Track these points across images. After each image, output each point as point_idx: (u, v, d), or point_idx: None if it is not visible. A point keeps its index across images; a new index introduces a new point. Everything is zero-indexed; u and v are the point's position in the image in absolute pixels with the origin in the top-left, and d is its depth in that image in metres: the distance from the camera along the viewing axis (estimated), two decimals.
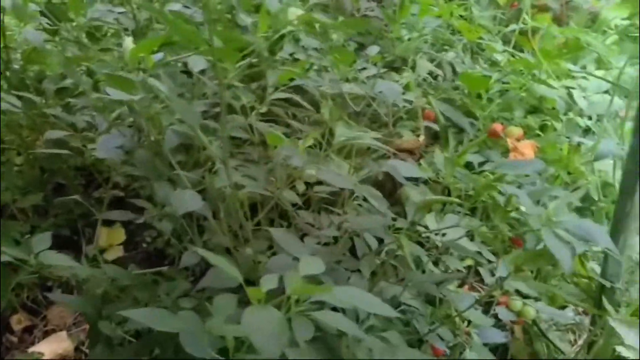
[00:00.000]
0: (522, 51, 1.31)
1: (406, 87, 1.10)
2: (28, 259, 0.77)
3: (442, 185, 1.16)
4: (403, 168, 0.90)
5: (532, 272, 1.14)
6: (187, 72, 0.96)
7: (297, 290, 0.52)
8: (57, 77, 1.61)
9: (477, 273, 1.15)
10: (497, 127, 1.12)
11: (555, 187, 1.00)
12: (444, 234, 0.97)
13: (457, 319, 0.97)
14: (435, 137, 1.20)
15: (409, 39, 1.06)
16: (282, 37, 0.60)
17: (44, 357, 1.36)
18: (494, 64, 1.24)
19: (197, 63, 0.71)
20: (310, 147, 0.84)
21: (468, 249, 0.86)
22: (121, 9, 1.06)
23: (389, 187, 1.20)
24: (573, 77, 1.29)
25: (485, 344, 0.97)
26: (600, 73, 1.30)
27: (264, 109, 0.88)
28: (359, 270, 0.93)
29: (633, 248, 0.97)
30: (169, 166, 0.88)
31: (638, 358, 0.84)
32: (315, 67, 1.13)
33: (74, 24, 1.04)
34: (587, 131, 1.37)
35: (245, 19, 0.65)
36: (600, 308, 0.99)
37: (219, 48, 0.59)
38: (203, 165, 0.92)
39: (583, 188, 1.08)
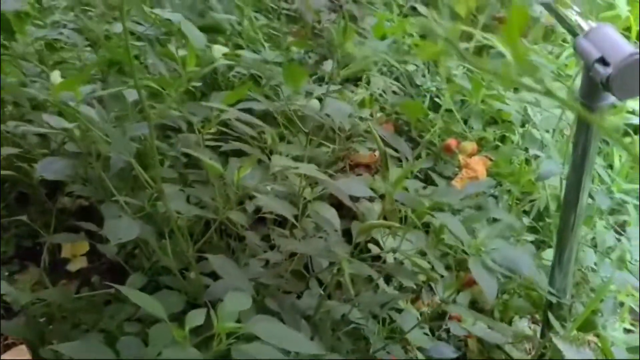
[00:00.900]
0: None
1: (362, 104, 1.11)
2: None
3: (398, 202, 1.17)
4: (354, 187, 0.91)
5: None
6: None
7: (222, 328, 0.52)
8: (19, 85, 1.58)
9: (431, 287, 1.16)
10: (452, 142, 1.14)
11: (497, 209, 1.02)
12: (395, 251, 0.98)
13: (407, 336, 0.98)
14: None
15: (365, 56, 1.07)
16: (214, 69, 0.60)
17: None
18: (449, 79, 1.26)
19: (131, 94, 0.71)
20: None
21: (413, 270, 0.87)
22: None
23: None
24: (529, 90, 1.30)
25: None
26: (556, 86, 1.32)
27: (212, 129, 0.88)
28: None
29: (578, 261, 1.00)
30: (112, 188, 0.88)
31: None
32: (272, 83, 1.14)
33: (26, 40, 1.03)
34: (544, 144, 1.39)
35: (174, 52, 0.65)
36: (547, 323, 1.01)
37: (156, 78, 0.59)
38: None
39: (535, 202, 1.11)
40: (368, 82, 1.13)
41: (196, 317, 0.55)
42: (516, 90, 1.39)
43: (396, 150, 1.16)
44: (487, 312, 1.10)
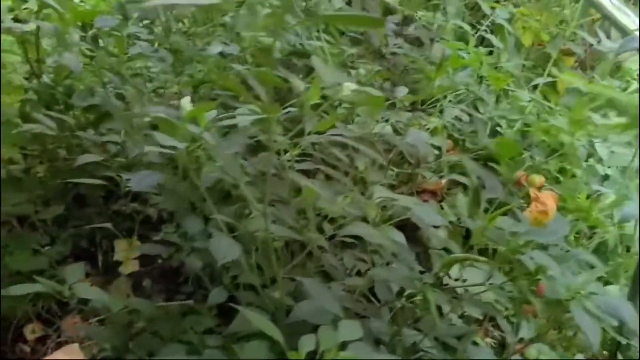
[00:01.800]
0: (546, 98, 1.34)
1: (433, 132, 1.12)
2: (62, 289, 0.78)
3: (462, 229, 1.18)
4: (425, 214, 0.92)
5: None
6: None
7: (333, 357, 0.54)
8: (85, 93, 1.64)
9: (493, 317, 1.16)
10: (522, 176, 1.14)
11: (580, 250, 1.01)
12: (464, 280, 0.99)
13: None
14: (457, 181, 1.22)
15: (439, 85, 1.09)
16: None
17: None
18: (520, 109, 1.26)
19: (244, 118, 0.74)
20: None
21: (488, 303, 0.88)
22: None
23: (412, 224, 1.22)
24: (596, 125, 1.30)
25: None
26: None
27: (297, 152, 0.91)
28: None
29: None
30: (201, 201, 0.91)
31: None
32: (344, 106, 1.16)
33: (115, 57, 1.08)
34: (605, 178, 1.39)
35: (299, 85, 0.67)
36: None
37: (265, 104, 0.61)
38: (233, 202, 0.94)
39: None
40: (441, 111, 1.15)
41: (308, 343, 0.56)
42: (580, 125, 1.39)
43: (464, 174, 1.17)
44: (550, 347, 1.10)
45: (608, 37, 1.57)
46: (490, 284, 0.93)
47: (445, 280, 1.01)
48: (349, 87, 0.63)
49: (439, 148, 1.09)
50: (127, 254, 1.84)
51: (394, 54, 1.47)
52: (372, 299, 1.01)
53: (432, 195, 1.20)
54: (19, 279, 1.60)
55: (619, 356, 0.97)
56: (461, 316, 1.13)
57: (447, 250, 1.13)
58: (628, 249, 1.17)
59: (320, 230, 0.93)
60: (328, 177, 0.88)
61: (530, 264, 0.71)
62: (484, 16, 1.36)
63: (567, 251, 0.81)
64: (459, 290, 1.03)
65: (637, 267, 0.90)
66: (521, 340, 1.05)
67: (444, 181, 1.18)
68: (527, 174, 1.18)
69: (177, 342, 0.84)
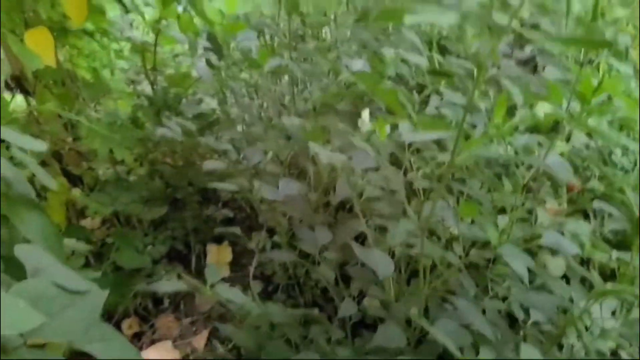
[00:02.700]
0: None
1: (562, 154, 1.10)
2: (204, 289, 0.81)
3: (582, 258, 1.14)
4: (557, 241, 0.90)
5: None
6: None
7: None
8: (194, 101, 1.71)
9: (615, 352, 1.11)
10: None
11: None
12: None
13: None
14: (575, 207, 1.19)
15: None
16: None
17: None
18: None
19: (409, 135, 0.75)
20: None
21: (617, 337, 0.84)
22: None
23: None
24: None
25: None
26: None
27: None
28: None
29: None
30: (332, 215, 0.92)
31: None
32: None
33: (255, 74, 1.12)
34: None
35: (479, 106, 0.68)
36: None
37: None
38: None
39: None
40: (568, 139, 1.12)
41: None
42: None
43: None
44: None
45: None
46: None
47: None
48: (542, 106, 0.63)
49: None
50: (218, 258, 1.90)
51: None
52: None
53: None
54: (121, 275, 1.68)
55: None
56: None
57: (565, 277, 1.10)
58: None
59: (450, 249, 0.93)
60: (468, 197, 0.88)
61: None
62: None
63: None
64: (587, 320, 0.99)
65: None
66: None
67: (563, 207, 1.15)
68: None
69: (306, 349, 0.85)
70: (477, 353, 0.81)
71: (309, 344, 0.88)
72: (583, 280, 0.98)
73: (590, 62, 1.30)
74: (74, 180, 1.85)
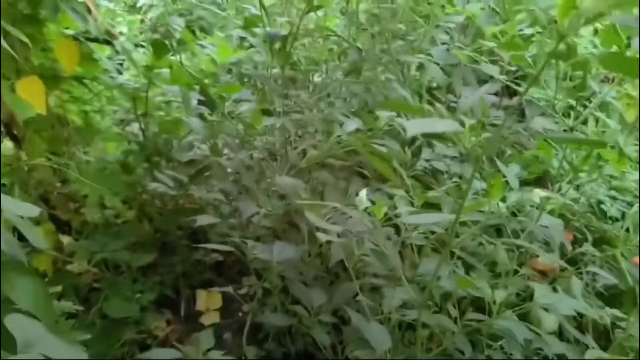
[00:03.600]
0: None
1: (550, 212, 1.11)
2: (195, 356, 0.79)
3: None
4: (554, 301, 0.91)
5: None
6: None
7: None
8: (185, 147, 1.71)
9: None
10: (637, 261, 1.11)
11: None
12: None
13: None
14: (568, 261, 1.19)
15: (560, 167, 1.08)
16: None
17: None
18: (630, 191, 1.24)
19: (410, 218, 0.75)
20: None
21: None
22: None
23: None
24: None
25: None
26: None
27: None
28: None
29: None
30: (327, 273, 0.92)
31: None
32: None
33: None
34: None
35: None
36: None
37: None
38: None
39: None
40: (560, 191, 1.14)
41: None
42: None
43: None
44: None
45: None
46: None
47: None
48: (538, 193, 0.65)
49: None
50: (208, 304, 1.87)
51: (493, 125, 1.48)
52: None
53: (542, 276, 1.18)
54: (109, 323, 1.65)
55: None
56: None
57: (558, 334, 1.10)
58: None
59: (446, 312, 0.93)
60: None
61: None
62: (593, 94, 1.36)
63: None
64: None
65: None
66: None
67: (556, 263, 1.16)
68: None
69: None
70: None
71: None
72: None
73: (577, 117, 1.33)
74: (62, 224, 1.82)
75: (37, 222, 1.65)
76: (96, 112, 1.69)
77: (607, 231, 1.22)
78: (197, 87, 1.29)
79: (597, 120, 1.35)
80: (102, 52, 1.86)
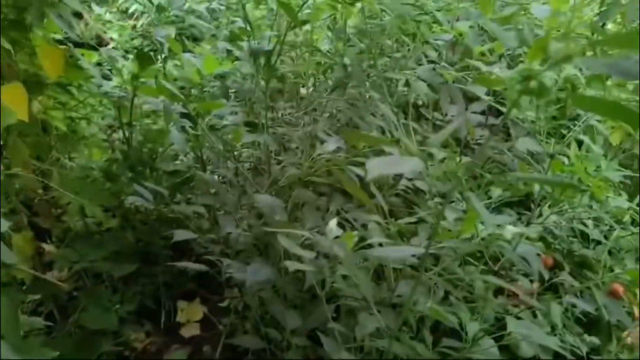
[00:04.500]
0: None
1: (528, 237, 1.11)
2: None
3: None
4: (528, 330, 0.90)
5: None
6: None
7: None
8: (169, 158, 1.69)
9: None
10: (618, 288, 1.10)
11: None
12: None
13: None
14: (549, 287, 1.19)
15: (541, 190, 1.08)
16: None
17: None
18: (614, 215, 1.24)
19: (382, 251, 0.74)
20: None
21: None
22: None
23: None
24: None
25: None
26: None
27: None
28: None
29: None
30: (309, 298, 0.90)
31: None
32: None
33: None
34: None
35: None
36: None
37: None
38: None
39: None
40: (540, 215, 1.13)
41: None
42: None
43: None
44: None
45: None
46: None
47: None
48: (511, 230, 0.64)
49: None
50: (188, 316, 1.85)
51: (478, 144, 1.48)
52: None
53: (520, 301, 1.17)
54: (86, 334, 1.62)
55: None
56: None
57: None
58: None
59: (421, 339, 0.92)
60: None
61: None
62: (578, 115, 1.36)
63: None
64: None
65: None
66: None
67: (535, 286, 1.15)
68: (625, 285, 1.14)
69: None
70: None
71: None
72: None
73: (562, 137, 1.33)
74: (43, 231, 1.80)
75: (17, 229, 1.62)
76: (81, 119, 1.67)
77: (587, 257, 1.21)
78: (180, 98, 1.28)
79: (580, 143, 1.35)
80: (91, 59, 1.85)
